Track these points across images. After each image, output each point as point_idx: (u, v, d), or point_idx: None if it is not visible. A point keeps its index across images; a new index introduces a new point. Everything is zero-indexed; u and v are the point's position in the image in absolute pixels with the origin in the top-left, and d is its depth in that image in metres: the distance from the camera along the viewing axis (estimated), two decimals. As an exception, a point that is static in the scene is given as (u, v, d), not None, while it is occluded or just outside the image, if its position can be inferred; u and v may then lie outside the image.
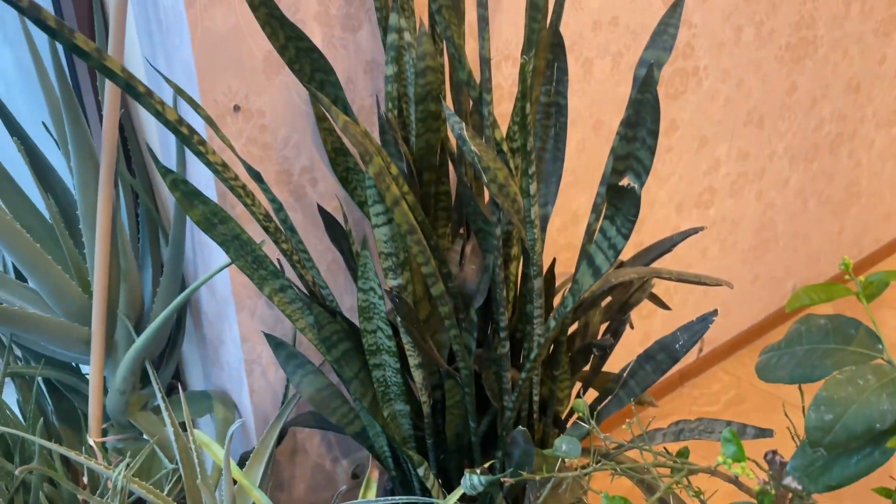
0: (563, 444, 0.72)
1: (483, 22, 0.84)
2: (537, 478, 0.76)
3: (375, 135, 1.15)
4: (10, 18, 1.89)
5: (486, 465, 0.86)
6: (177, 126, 0.76)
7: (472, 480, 0.76)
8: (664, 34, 0.88)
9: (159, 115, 0.74)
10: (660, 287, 1.85)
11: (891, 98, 2.32)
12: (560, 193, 1.51)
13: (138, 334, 1.16)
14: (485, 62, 0.86)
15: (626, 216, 0.77)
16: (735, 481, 0.79)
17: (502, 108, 1.32)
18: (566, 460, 0.80)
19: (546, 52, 0.93)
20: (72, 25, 1.15)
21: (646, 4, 1.46)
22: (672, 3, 0.92)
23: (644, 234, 1.76)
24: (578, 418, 0.98)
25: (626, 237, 0.78)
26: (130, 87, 0.71)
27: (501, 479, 0.76)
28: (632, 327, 1.32)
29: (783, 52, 1.84)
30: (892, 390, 0.62)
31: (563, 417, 1.16)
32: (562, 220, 1.56)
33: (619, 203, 0.77)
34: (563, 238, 1.58)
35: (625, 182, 0.74)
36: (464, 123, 0.86)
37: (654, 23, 1.50)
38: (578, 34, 1.39)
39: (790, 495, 0.74)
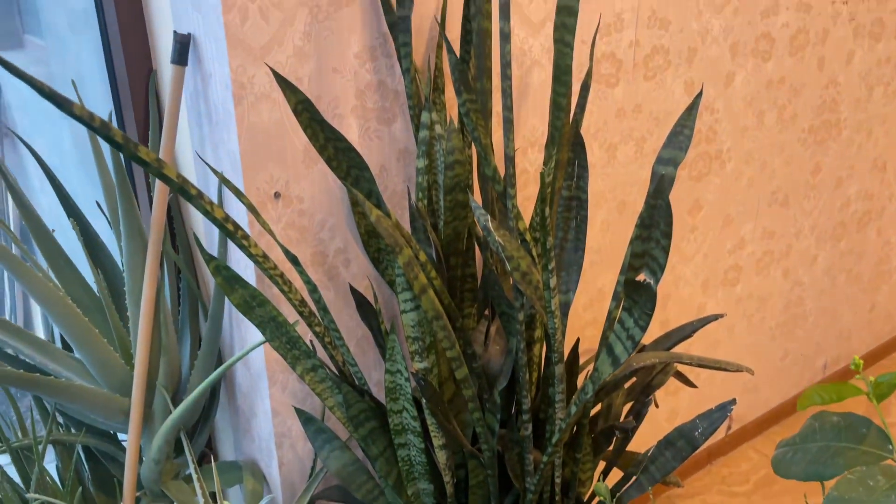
0: (581, 534, 0.74)
1: (508, 123, 0.90)
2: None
3: (405, 220, 1.21)
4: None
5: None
6: (223, 223, 0.83)
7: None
8: (680, 135, 0.93)
9: (208, 214, 0.81)
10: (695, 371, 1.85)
11: (919, 177, 2.33)
12: (585, 271, 1.55)
13: (175, 406, 1.21)
14: (509, 160, 0.92)
15: (642, 310, 0.80)
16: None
17: (528, 190, 1.37)
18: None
19: (568, 147, 0.99)
20: (130, 115, 1.25)
21: (668, 93, 1.52)
22: (689, 105, 0.97)
23: (669, 311, 1.78)
24: (599, 502, 1.00)
25: (644, 329, 0.81)
26: (184, 190, 0.78)
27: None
28: (656, 406, 1.33)
29: (806, 134, 1.88)
30: (901, 492, 0.64)
31: (585, 499, 1.17)
32: (587, 297, 1.59)
33: (636, 297, 0.81)
34: (588, 314, 1.61)
35: (641, 278, 0.78)
36: (489, 215, 0.91)
37: (676, 109, 1.56)
38: (603, 121, 1.45)
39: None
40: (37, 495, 1.05)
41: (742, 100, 1.68)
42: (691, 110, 0.95)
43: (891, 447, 0.69)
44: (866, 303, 2.37)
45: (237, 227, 0.86)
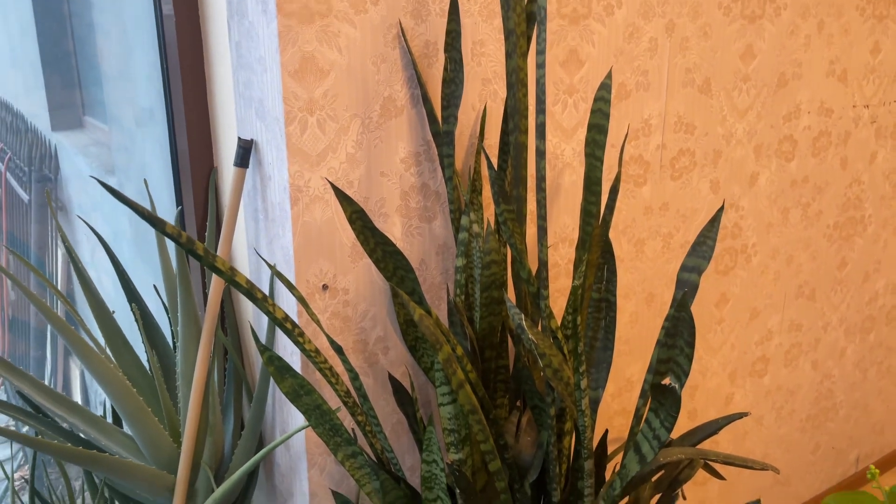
0: None
1: (542, 231, 0.98)
2: None
3: (442, 310, 1.28)
4: (128, 183, 2.16)
5: None
6: (283, 322, 0.90)
7: None
8: (703, 245, 1.00)
9: (269, 314, 0.89)
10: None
11: (948, 271, 2.35)
12: (615, 362, 1.59)
13: (217, 484, 1.27)
14: (542, 264, 0.99)
15: (668, 412, 0.85)
16: None
17: (558, 283, 1.44)
18: None
19: (598, 250, 1.06)
20: (190, 208, 1.35)
21: (694, 192, 1.60)
22: (712, 217, 1.04)
23: (697, 402, 1.80)
24: None
25: (669, 430, 0.86)
26: (251, 294, 0.86)
27: None
28: (684, 498, 1.35)
29: (831, 230, 1.93)
30: None
31: None
32: (616, 387, 1.63)
33: (662, 399, 0.86)
34: (616, 404, 1.65)
35: (667, 381, 0.83)
36: (523, 315, 0.98)
37: (702, 207, 1.63)
38: (632, 218, 1.53)
39: None
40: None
41: (767, 198, 1.75)
42: (714, 222, 1.02)
43: (908, 558, 0.72)
44: (899, 396, 2.36)
45: (295, 325, 0.93)
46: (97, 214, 2.68)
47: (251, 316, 1.32)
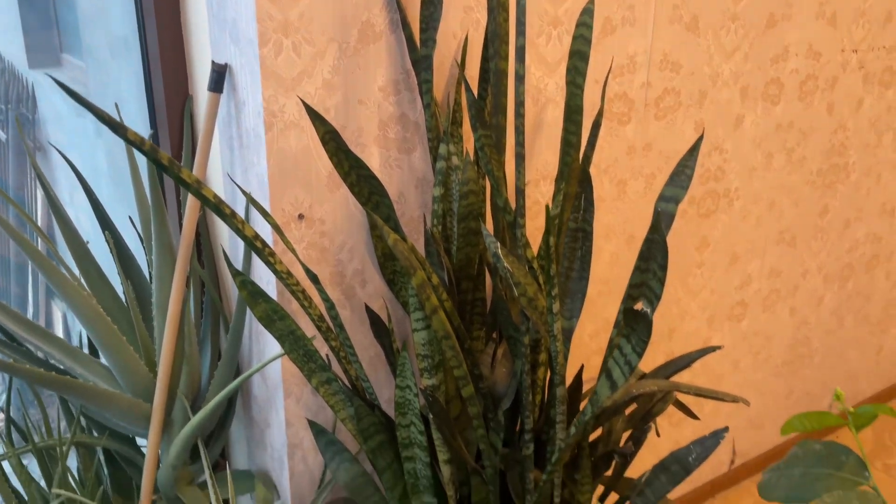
0: (573, 546, 0.79)
1: (519, 158, 0.96)
2: (549, 577, 0.82)
3: (421, 245, 1.27)
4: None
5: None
6: (252, 241, 0.89)
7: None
8: (682, 174, 0.99)
9: (239, 232, 0.87)
10: (691, 396, 1.89)
11: (928, 222, 2.36)
12: (594, 302, 1.60)
13: (194, 414, 1.27)
14: (520, 192, 0.98)
15: (639, 337, 0.85)
16: None
17: (538, 221, 1.43)
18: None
19: (577, 182, 1.05)
20: (165, 136, 1.33)
21: (678, 133, 1.58)
22: (692, 146, 1.03)
23: (675, 344, 1.82)
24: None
25: (640, 355, 0.86)
26: (219, 210, 0.84)
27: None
28: (657, 434, 1.37)
29: (815, 177, 1.93)
30: (874, 516, 0.68)
31: (583, 521, 1.20)
32: (594, 327, 1.64)
33: (634, 325, 0.86)
34: (594, 343, 1.66)
35: (638, 307, 0.83)
36: (499, 243, 0.97)
37: (685, 149, 1.62)
38: (614, 158, 1.51)
39: None
40: (60, 491, 1.11)
41: (751, 141, 1.74)
42: (693, 151, 1.01)
43: (867, 474, 0.73)
44: (874, 345, 2.40)
45: (265, 244, 0.92)
46: (75, 153, 2.63)
47: (227, 243, 1.31)
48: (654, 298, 0.84)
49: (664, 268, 0.81)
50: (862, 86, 1.92)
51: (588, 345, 1.64)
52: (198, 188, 0.81)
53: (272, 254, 0.93)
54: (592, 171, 1.49)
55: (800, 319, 2.10)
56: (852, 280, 2.19)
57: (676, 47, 1.51)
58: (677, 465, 1.07)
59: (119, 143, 2.02)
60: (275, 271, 0.93)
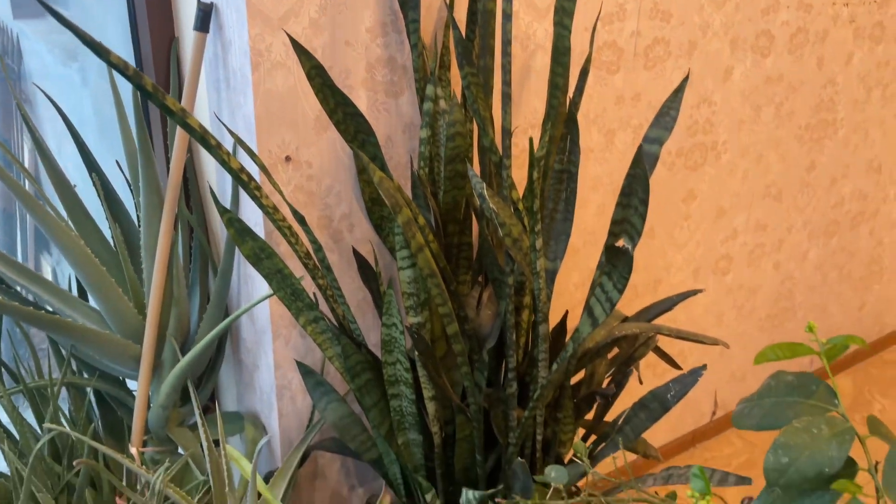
0: (553, 472, 0.81)
1: (506, 98, 0.97)
2: (529, 503, 0.85)
3: (408, 189, 1.28)
4: (91, 68, 2.10)
5: (488, 492, 0.94)
6: (238, 173, 0.89)
7: (468, 495, 0.85)
8: (666, 116, 1.00)
9: (225, 164, 0.88)
10: (675, 347, 1.92)
11: (914, 180, 2.38)
12: (579, 252, 1.61)
13: (183, 355, 1.29)
14: (506, 132, 0.98)
15: (620, 273, 0.87)
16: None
17: (527, 169, 1.44)
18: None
19: (563, 124, 1.05)
20: (152, 79, 1.32)
21: (667, 83, 1.58)
22: (676, 87, 1.03)
23: (661, 296, 1.84)
24: (576, 457, 1.06)
25: (621, 291, 0.88)
26: (204, 140, 0.85)
27: (496, 500, 0.85)
28: (640, 382, 1.40)
29: (802, 131, 1.93)
30: (841, 439, 0.70)
31: (565, 460, 1.24)
32: (580, 277, 1.66)
33: (615, 261, 0.87)
34: (580, 293, 1.68)
35: (620, 243, 0.84)
36: (485, 184, 0.98)
37: (674, 100, 1.62)
38: (602, 108, 1.51)
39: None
40: (51, 425, 1.13)
41: (740, 94, 1.74)
42: (678, 93, 1.01)
43: (836, 402, 0.75)
44: (856, 301, 2.43)
45: (251, 177, 0.93)
46: (61, 104, 2.61)
47: (215, 185, 1.31)
48: (635, 234, 0.85)
49: (645, 203, 0.83)
50: (852, 40, 1.92)
51: (573, 294, 1.66)
52: (182, 117, 0.81)
53: (258, 187, 0.94)
54: (581, 120, 1.49)
55: (784, 274, 2.12)
56: (837, 236, 2.22)
57: (667, -4, 1.50)
58: (656, 403, 1.10)
59: (105, 93, 2.00)
60: (261, 206, 0.94)
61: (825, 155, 2.03)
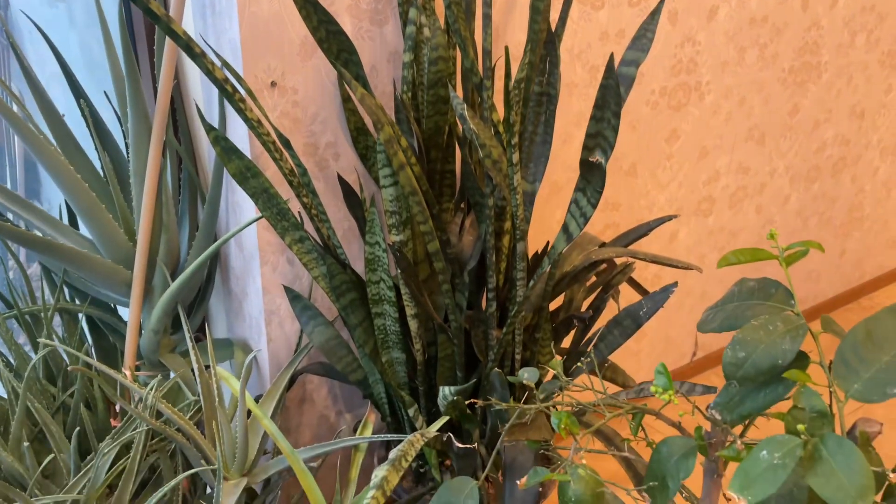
0: (525, 373, 0.85)
1: (486, 19, 0.99)
2: (504, 406, 0.89)
3: (392, 115, 1.30)
4: (77, 9, 2.09)
5: (463, 386, 0.98)
6: (223, 84, 0.92)
7: (444, 391, 0.89)
8: (643, 38, 1.02)
9: (209, 74, 0.90)
10: (657, 286, 1.96)
11: (897, 127, 2.41)
12: (562, 190, 1.64)
13: (173, 281, 1.32)
14: (486, 54, 1.00)
15: (594, 188, 0.90)
16: (678, 426, 0.91)
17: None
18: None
19: (542, 47, 1.07)
20: (138, 14, 1.32)
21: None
22: (653, 10, 1.05)
23: (642, 236, 1.88)
24: (554, 376, 1.11)
25: (594, 206, 0.91)
26: (189, 48, 0.86)
27: (473, 402, 0.90)
28: (619, 309, 1.44)
29: (786, 74, 1.95)
30: (794, 334, 0.74)
31: (543, 380, 1.28)
32: (563, 214, 1.69)
33: (589, 176, 0.90)
34: (563, 231, 1.71)
35: (594, 158, 0.87)
36: (465, 105, 1.00)
37: (658, 38, 1.64)
38: (587, 43, 1.53)
39: (730, 439, 0.86)
40: (45, 340, 1.16)
41: (724, 34, 1.75)
42: (654, 15, 1.03)
43: (793, 302, 0.80)
44: (837, 247, 2.48)
45: (235, 89, 0.95)
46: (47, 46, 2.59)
47: (203, 106, 1.33)
48: (607, 148, 0.88)
49: (617, 115, 0.85)
50: (838, -17, 1.93)
51: (556, 230, 1.69)
52: (168, 23, 0.83)
53: (242, 100, 0.96)
54: (565, 55, 1.51)
55: (765, 218, 2.16)
56: (818, 182, 2.25)
57: (652, -69, 1.50)
58: (629, 320, 1.14)
59: (93, 33, 1.99)
60: (245, 119, 0.96)
61: (808, 99, 2.06)
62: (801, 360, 0.75)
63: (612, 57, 0.83)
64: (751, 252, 0.81)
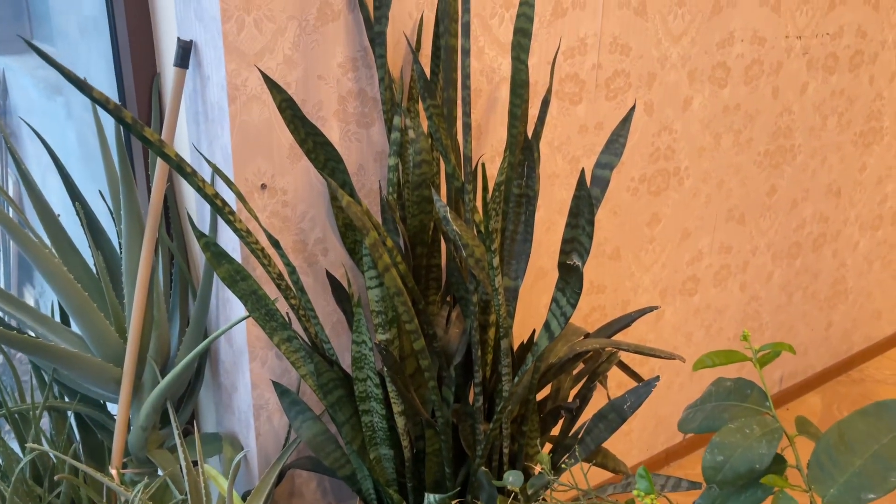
0: (511, 476, 0.86)
1: (466, 127, 1.04)
2: (490, 508, 0.90)
3: (379, 214, 1.34)
4: (75, 102, 2.16)
5: (447, 495, 0.99)
6: (213, 199, 0.95)
7: (430, 499, 0.89)
8: (615, 143, 1.07)
9: (200, 190, 0.93)
10: (645, 366, 1.98)
11: (873, 203, 2.48)
12: (548, 275, 1.67)
13: (163, 378, 1.33)
14: (467, 159, 1.05)
15: (573, 289, 0.93)
16: (664, 524, 0.92)
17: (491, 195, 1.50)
18: None
19: (521, 151, 1.12)
20: (134, 113, 1.38)
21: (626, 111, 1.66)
22: (624, 116, 1.11)
23: (629, 317, 1.91)
24: (541, 471, 1.11)
25: (574, 306, 0.94)
26: (181, 168, 0.90)
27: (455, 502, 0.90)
28: (608, 397, 1.45)
29: (762, 157, 2.02)
30: (770, 438, 0.76)
31: (532, 473, 1.28)
32: (549, 297, 1.72)
33: (567, 278, 0.93)
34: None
35: (571, 262, 0.91)
36: (448, 207, 1.04)
37: (636, 127, 1.70)
38: (567, 136, 1.59)
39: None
40: (34, 445, 1.16)
41: (699, 122, 1.83)
42: (625, 122, 1.09)
43: (768, 404, 0.81)
44: (823, 320, 2.51)
45: (225, 203, 0.99)
46: (46, 138, 2.66)
47: (195, 214, 1.37)
48: (584, 252, 0.92)
49: (591, 223, 0.89)
50: (806, 71, 2.02)
51: (543, 314, 1.72)
52: (160, 147, 0.87)
53: (232, 212, 0.99)
54: (545, 148, 1.56)
55: (750, 294, 2.20)
56: (800, 258, 2.30)
57: (625, 31, 1.59)
58: (614, 414, 1.15)
59: (89, 125, 2.06)
60: (234, 229, 1.00)
61: (785, 179, 2.12)
62: (779, 463, 0.76)
63: (583, 172, 0.88)
64: (725, 354, 0.83)
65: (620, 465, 1.42)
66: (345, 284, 1.34)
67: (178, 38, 1.20)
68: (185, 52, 1.19)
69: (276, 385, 1.27)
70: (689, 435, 2.22)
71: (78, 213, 1.35)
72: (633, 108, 1.10)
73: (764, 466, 0.75)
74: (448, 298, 1.28)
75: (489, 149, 1.47)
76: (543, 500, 0.89)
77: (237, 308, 1.31)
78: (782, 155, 2.08)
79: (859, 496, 0.70)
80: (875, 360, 2.75)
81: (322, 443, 1.25)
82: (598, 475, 1.95)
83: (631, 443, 2.07)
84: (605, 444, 2.01)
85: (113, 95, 1.44)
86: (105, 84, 1.63)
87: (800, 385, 2.51)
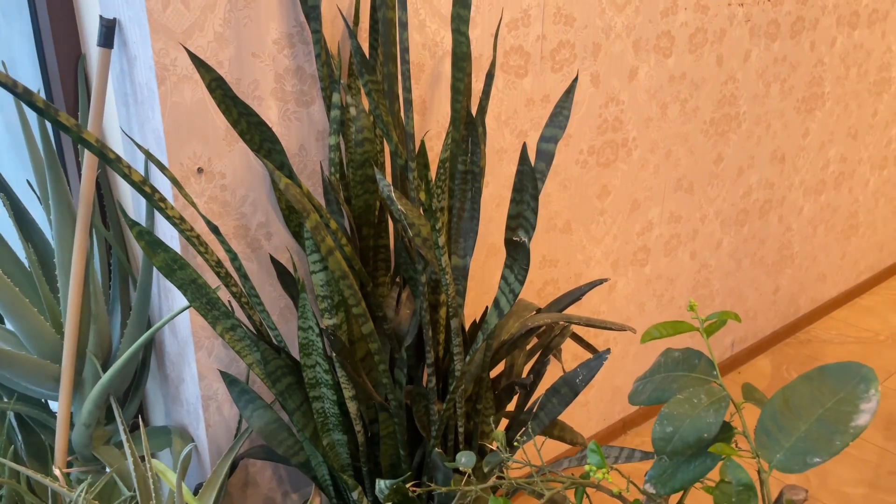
0: (462, 457, 0.85)
1: (407, 103, 1.01)
2: (443, 490, 0.89)
3: (321, 195, 1.30)
4: (1, 90, 2.05)
5: (398, 479, 0.97)
6: (141, 186, 0.91)
7: (380, 485, 0.88)
8: (559, 115, 1.05)
9: (126, 177, 0.89)
10: (600, 337, 1.99)
11: (817, 168, 2.53)
12: (500, 251, 1.66)
13: (105, 372, 1.28)
14: (409, 136, 1.02)
15: (520, 266, 0.92)
16: (619, 496, 0.92)
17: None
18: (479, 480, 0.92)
19: (464, 127, 1.10)
20: (59, 98, 1.31)
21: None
22: (567, 88, 1.09)
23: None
24: (497, 447, 1.11)
25: (522, 282, 0.93)
26: (103, 154, 0.86)
27: (409, 487, 0.89)
28: (563, 370, 1.46)
29: (708, 126, 2.04)
30: (717, 407, 0.76)
31: (488, 451, 1.28)
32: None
33: (514, 254, 0.92)
34: (504, 291, 1.73)
35: (517, 238, 0.89)
36: (392, 186, 1.02)
37: (583, 99, 1.69)
38: (514, 110, 1.57)
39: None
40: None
41: (646, 92, 1.82)
42: (568, 93, 1.07)
43: (715, 373, 0.82)
44: (770, 285, 2.56)
45: (154, 189, 0.94)
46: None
47: (130, 203, 1.31)
48: (529, 228, 0.90)
49: (535, 197, 0.87)
50: (749, 38, 2.03)
51: (496, 290, 1.71)
52: (78, 132, 0.82)
53: (163, 199, 0.95)
54: (492, 122, 1.54)
55: (700, 262, 2.22)
56: (748, 224, 2.33)
57: (568, 1, 1.57)
58: (566, 388, 1.15)
59: (16, 113, 1.96)
60: (166, 216, 0.96)
61: (731, 147, 2.14)
62: (726, 431, 0.76)
63: (524, 146, 0.86)
64: (672, 325, 0.83)
65: (578, 437, 1.43)
66: (290, 269, 1.30)
67: (101, 17, 1.14)
68: (109, 31, 1.13)
69: (224, 375, 1.24)
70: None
71: (4, 204, 1.28)
72: (575, 80, 1.08)
73: (712, 435, 0.75)
74: (398, 279, 1.26)
75: (435, 124, 1.44)
76: (499, 477, 0.88)
77: (179, 298, 1.26)
78: (728, 123, 2.09)
79: (805, 460, 0.70)
80: (821, 322, 2.83)
81: (274, 431, 1.23)
82: (556, 448, 1.97)
83: (588, 413, 2.09)
84: (563, 416, 2.02)
85: (37, 79, 1.37)
86: (28, 67, 1.55)
87: (750, 349, 2.57)
